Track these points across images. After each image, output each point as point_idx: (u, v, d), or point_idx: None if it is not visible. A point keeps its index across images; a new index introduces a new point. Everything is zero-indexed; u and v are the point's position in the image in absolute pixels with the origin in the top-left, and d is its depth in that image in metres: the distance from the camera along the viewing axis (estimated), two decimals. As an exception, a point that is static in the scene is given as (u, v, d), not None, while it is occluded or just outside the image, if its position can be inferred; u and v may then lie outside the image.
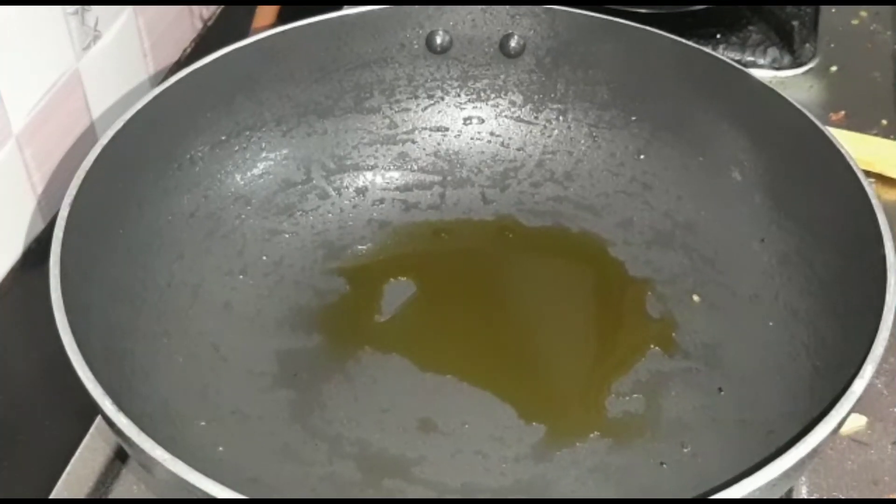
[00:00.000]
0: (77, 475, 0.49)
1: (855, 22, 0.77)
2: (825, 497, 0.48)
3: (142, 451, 0.38)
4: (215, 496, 0.37)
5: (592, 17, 0.60)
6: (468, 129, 0.63)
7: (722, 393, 0.51)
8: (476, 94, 0.63)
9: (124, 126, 0.52)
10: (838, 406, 0.40)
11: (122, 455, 0.49)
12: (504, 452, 0.49)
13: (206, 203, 0.57)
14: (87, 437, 0.50)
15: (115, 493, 0.48)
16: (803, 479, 0.49)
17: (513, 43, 0.61)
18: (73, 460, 0.49)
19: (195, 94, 0.55)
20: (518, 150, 0.63)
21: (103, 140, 0.51)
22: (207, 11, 0.77)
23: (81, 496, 0.48)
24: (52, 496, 0.48)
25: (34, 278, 0.47)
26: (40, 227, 0.60)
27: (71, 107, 0.61)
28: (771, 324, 0.53)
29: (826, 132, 0.52)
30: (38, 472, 0.49)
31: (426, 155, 0.63)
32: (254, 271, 0.57)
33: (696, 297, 0.56)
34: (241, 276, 0.56)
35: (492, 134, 0.63)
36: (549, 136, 0.63)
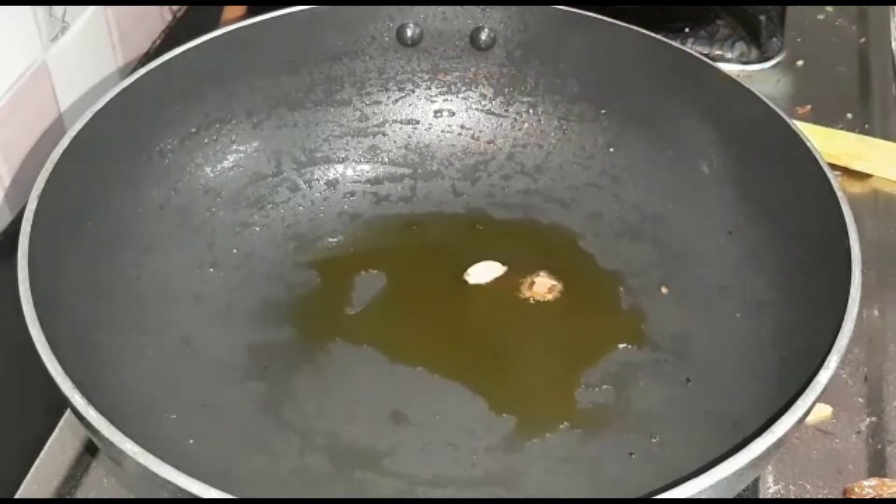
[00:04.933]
0: (46, 469, 0.48)
1: (821, 17, 0.78)
2: (791, 485, 0.49)
3: (111, 445, 0.38)
4: (186, 489, 0.37)
5: (562, 10, 0.60)
6: (439, 122, 0.63)
7: (690, 384, 0.52)
8: (446, 86, 0.63)
9: (93, 118, 0.51)
10: (804, 396, 0.41)
11: (91, 449, 0.49)
12: (475, 444, 0.49)
13: (175, 196, 0.56)
14: (57, 430, 0.50)
15: (85, 487, 0.48)
16: (769, 468, 0.49)
17: (483, 36, 0.62)
18: (42, 454, 0.49)
19: (164, 86, 0.55)
20: (488, 142, 0.63)
21: (71, 132, 0.50)
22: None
23: (51, 490, 0.48)
24: (21, 489, 0.47)
25: (2, 271, 0.47)
26: (8, 219, 0.59)
27: (39, 98, 0.61)
28: (738, 315, 0.53)
29: (792, 126, 0.53)
30: (6, 465, 0.49)
31: (397, 148, 0.63)
32: (224, 264, 0.56)
33: (664, 289, 0.56)
34: (211, 269, 0.56)
35: (462, 127, 0.63)
36: (520, 129, 0.63)
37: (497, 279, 0.57)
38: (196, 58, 0.56)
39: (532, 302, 0.56)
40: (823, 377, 0.41)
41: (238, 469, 0.47)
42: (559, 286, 0.56)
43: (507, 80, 0.62)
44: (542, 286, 0.56)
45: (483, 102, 0.63)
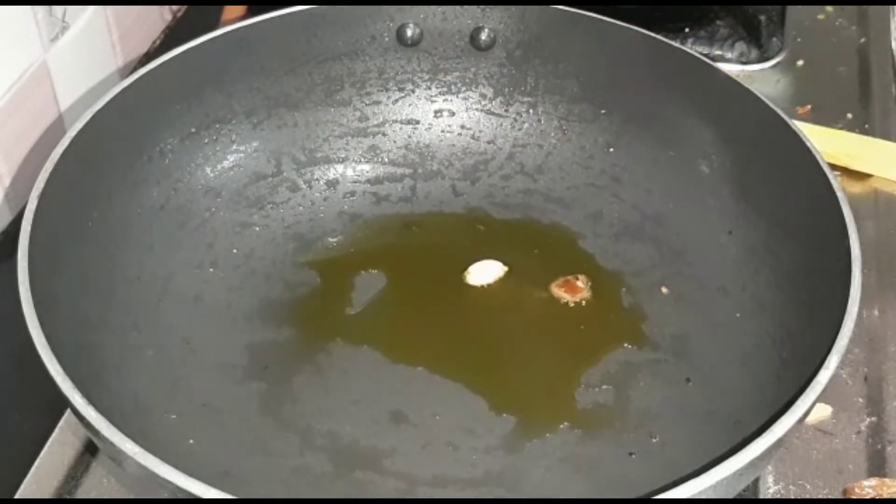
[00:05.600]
0: (46, 469, 0.48)
1: (821, 17, 0.78)
2: (791, 485, 0.49)
3: (111, 445, 0.38)
4: (186, 489, 0.37)
5: (563, 10, 0.60)
6: (439, 122, 0.63)
7: (690, 383, 0.52)
8: (447, 86, 0.63)
9: (93, 118, 0.51)
10: (804, 396, 0.41)
11: (91, 449, 0.49)
12: (475, 444, 0.49)
13: (175, 196, 0.56)
14: (57, 430, 0.50)
15: (85, 487, 0.48)
16: (769, 468, 0.49)
17: (483, 36, 0.62)
18: (42, 454, 0.49)
19: (164, 86, 0.55)
20: (488, 142, 0.63)
21: (71, 132, 0.50)
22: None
23: (51, 490, 0.48)
24: (21, 489, 0.48)
25: (2, 272, 0.47)
26: (8, 219, 0.59)
27: (39, 98, 0.61)
28: (738, 315, 0.53)
29: (792, 126, 0.53)
30: (6, 465, 0.49)
31: (397, 148, 0.63)
32: (224, 264, 0.56)
33: (664, 289, 0.56)
34: (211, 269, 0.56)
35: (462, 127, 0.63)
36: (520, 129, 0.63)
37: (497, 279, 0.57)
38: (196, 58, 0.56)
39: (534, 303, 0.56)
40: (823, 377, 0.41)
41: (238, 469, 0.47)
42: (586, 295, 0.56)
43: (507, 80, 0.62)
44: (575, 290, 0.56)
45: (483, 102, 0.63)
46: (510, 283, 0.57)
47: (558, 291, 0.56)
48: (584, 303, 0.56)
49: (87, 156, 0.51)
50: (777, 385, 0.48)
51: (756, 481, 0.49)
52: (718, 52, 0.73)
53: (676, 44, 0.59)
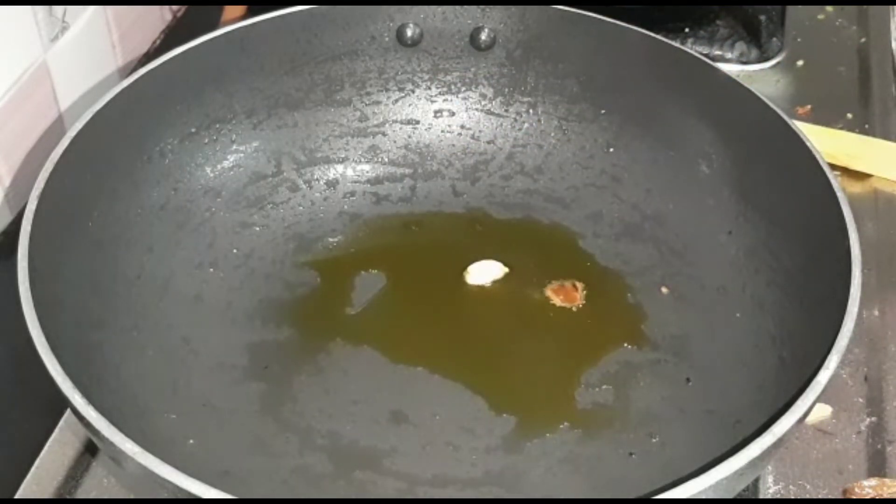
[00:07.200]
0: (46, 469, 0.48)
1: (821, 17, 0.78)
2: (791, 485, 0.49)
3: (111, 445, 0.38)
4: (186, 489, 0.37)
5: (563, 10, 0.60)
6: (439, 122, 0.63)
7: (690, 384, 0.52)
8: (447, 86, 0.63)
9: (93, 118, 0.51)
10: (804, 396, 0.41)
11: (92, 449, 0.49)
12: (475, 444, 0.49)
13: (175, 196, 0.56)
14: (57, 430, 0.50)
15: (85, 487, 0.48)
16: (769, 468, 0.49)
17: (483, 36, 0.62)
18: (42, 454, 0.49)
19: (165, 86, 0.55)
20: (488, 142, 0.63)
21: (71, 132, 0.50)
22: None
23: (51, 490, 0.48)
24: (21, 489, 0.48)
25: (2, 271, 0.47)
26: (8, 219, 0.59)
27: (39, 99, 0.61)
28: (738, 315, 0.53)
29: (792, 126, 0.53)
30: (6, 465, 0.49)
31: (397, 148, 0.63)
32: (224, 264, 0.56)
33: (664, 289, 0.56)
34: (211, 269, 0.56)
35: (462, 127, 0.63)
36: (520, 129, 0.63)
37: (497, 279, 0.57)
38: (196, 58, 0.56)
39: (534, 303, 0.56)
40: (823, 377, 0.41)
41: (238, 469, 0.47)
42: (581, 301, 0.56)
43: (507, 80, 0.62)
44: (569, 296, 0.56)
45: (483, 102, 0.63)
46: (510, 283, 0.57)
47: (553, 296, 0.56)
48: (583, 303, 0.56)
49: (87, 156, 0.51)
50: (777, 385, 0.48)
51: (756, 481, 0.49)
52: (718, 52, 0.73)
53: (676, 44, 0.58)
